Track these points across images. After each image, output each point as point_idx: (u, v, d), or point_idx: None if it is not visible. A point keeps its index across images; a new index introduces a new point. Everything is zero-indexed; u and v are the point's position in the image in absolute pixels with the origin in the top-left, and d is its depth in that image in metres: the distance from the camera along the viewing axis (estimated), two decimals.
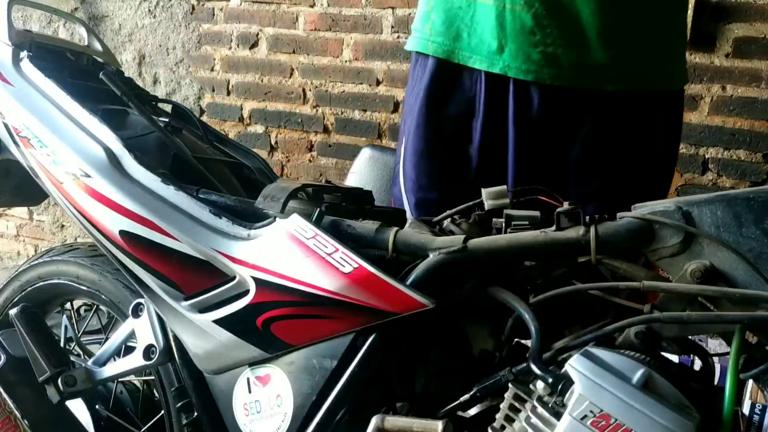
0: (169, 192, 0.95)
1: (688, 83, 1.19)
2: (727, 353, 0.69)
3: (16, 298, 1.35)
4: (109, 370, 1.10)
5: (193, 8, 2.45)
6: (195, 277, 0.93)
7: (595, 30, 1.01)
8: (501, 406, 0.76)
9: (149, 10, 2.51)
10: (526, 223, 0.83)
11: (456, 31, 1.08)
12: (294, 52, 2.33)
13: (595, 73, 1.05)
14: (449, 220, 0.90)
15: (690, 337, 0.80)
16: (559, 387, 0.69)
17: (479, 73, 1.08)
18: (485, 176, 1.10)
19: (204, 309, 0.93)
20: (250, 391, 0.92)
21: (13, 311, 1.10)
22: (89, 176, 0.98)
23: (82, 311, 1.60)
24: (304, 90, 2.34)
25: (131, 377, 1.36)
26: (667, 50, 1.11)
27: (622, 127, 1.08)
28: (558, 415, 0.68)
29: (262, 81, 2.40)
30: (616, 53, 1.04)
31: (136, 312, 1.08)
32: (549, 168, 1.09)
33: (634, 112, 1.08)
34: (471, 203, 0.93)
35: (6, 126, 1.08)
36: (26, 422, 1.08)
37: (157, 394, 1.26)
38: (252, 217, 0.92)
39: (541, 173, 1.07)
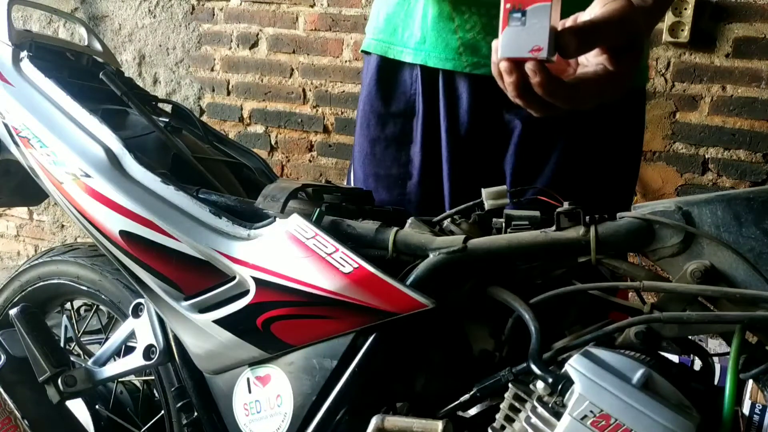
0: (169, 192, 0.95)
1: (648, 82, 1.14)
2: (727, 353, 0.69)
3: (16, 298, 1.36)
4: (109, 370, 1.10)
5: (193, 8, 2.45)
6: (195, 277, 0.93)
7: None
8: (501, 406, 0.75)
9: (149, 10, 2.51)
10: (526, 223, 0.83)
11: (393, 27, 1.09)
12: (294, 52, 2.33)
13: None
14: (449, 220, 0.90)
15: (690, 337, 0.80)
16: (559, 387, 0.68)
17: (416, 70, 1.07)
18: (428, 177, 1.08)
19: (204, 309, 0.92)
20: (250, 391, 0.92)
21: (13, 311, 1.11)
22: (89, 176, 0.98)
23: (82, 311, 1.60)
24: (304, 90, 2.34)
25: (131, 377, 1.37)
26: None
27: (564, 123, 1.02)
28: (558, 415, 0.67)
29: (262, 81, 2.40)
30: None
31: (136, 312, 1.08)
32: (485, 167, 1.05)
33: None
34: (471, 203, 0.93)
35: (6, 126, 1.08)
36: (26, 422, 1.08)
37: (157, 394, 1.26)
38: (252, 217, 0.91)
39: (477, 172, 1.04)
